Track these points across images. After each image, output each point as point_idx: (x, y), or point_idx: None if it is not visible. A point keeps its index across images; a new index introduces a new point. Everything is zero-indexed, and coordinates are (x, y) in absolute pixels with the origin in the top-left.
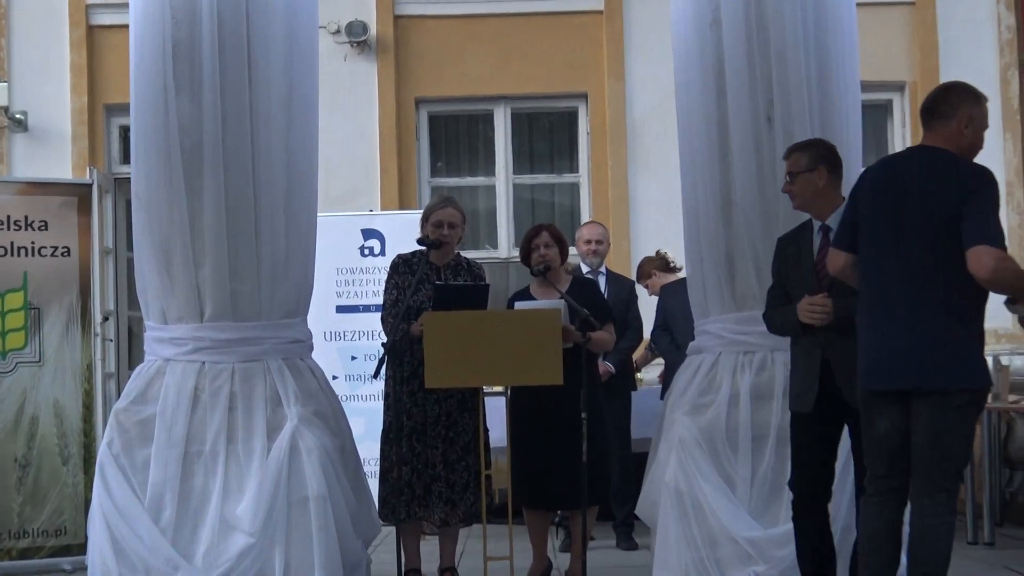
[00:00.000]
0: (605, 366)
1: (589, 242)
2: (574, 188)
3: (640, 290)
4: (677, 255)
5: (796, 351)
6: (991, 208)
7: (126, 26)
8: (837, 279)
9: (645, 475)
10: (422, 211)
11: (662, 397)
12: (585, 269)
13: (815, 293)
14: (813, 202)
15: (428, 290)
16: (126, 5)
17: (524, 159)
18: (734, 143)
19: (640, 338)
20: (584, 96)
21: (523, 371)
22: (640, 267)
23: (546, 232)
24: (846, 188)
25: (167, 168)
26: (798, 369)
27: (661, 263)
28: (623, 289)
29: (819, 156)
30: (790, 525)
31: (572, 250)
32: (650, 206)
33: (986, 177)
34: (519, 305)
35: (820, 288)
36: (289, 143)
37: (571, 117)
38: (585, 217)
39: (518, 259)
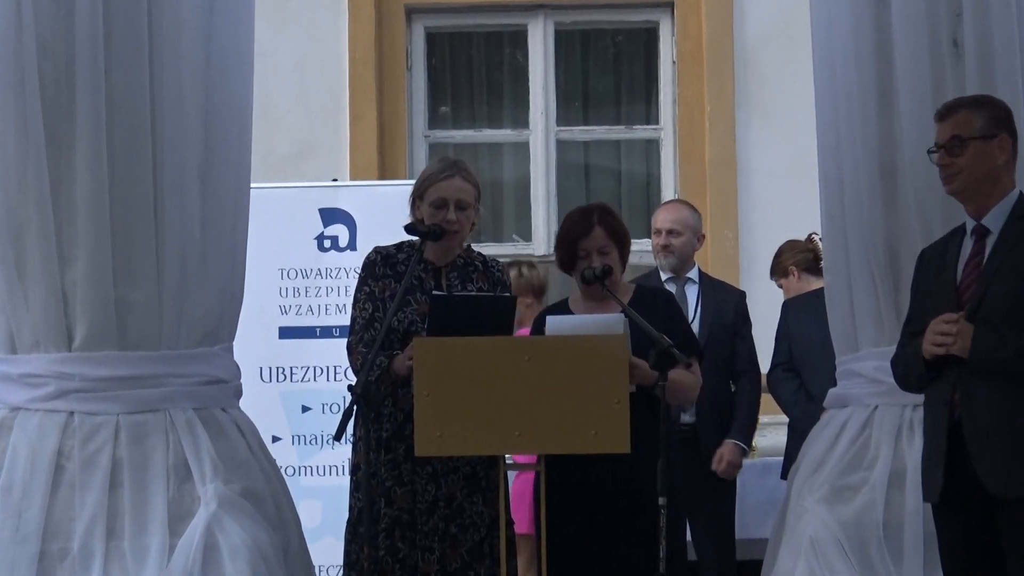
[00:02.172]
0: (728, 451)
1: (659, 232)
2: (651, 147)
3: (765, 300)
4: None
5: (925, 409)
6: None
7: None
8: (997, 306)
9: None
10: (414, 182)
11: (784, 475)
12: (665, 276)
13: None
14: (980, 186)
15: (422, 303)
16: None
17: (574, 103)
18: (900, 80)
19: (759, 384)
20: (670, 5)
21: (567, 432)
22: (777, 257)
23: (600, 229)
24: None
25: (18, 110)
26: (926, 436)
27: (808, 260)
28: (726, 305)
29: (998, 119)
30: None
31: (644, 243)
32: (768, 175)
33: None
34: (553, 325)
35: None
36: (209, 75)
37: (649, 38)
38: (668, 191)
39: None
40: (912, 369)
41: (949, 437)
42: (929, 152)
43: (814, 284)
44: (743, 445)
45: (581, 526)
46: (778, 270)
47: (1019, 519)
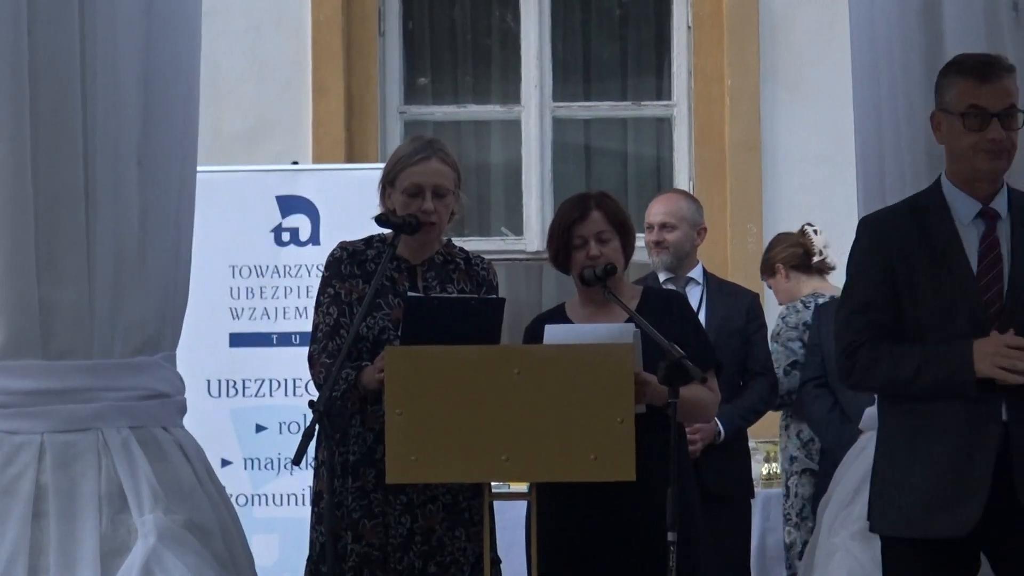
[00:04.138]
0: (709, 429)
1: (651, 228)
2: (663, 127)
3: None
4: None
5: (931, 427)
6: None
7: None
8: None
9: None
10: (384, 166)
11: (813, 508)
12: (663, 276)
13: (986, 323)
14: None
15: (395, 307)
16: None
17: (573, 75)
18: (951, 50)
19: (774, 394)
20: None
21: (563, 456)
22: (768, 252)
23: (598, 213)
24: None
25: None
26: (939, 457)
27: (798, 256)
28: (736, 309)
29: None
30: None
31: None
32: (798, 160)
33: None
34: (551, 335)
35: (989, 317)
36: (150, 37)
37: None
38: (682, 178)
39: None
40: (952, 381)
41: (997, 462)
42: (964, 116)
43: (805, 286)
44: (720, 425)
45: (579, 566)
46: (765, 268)
47: None
